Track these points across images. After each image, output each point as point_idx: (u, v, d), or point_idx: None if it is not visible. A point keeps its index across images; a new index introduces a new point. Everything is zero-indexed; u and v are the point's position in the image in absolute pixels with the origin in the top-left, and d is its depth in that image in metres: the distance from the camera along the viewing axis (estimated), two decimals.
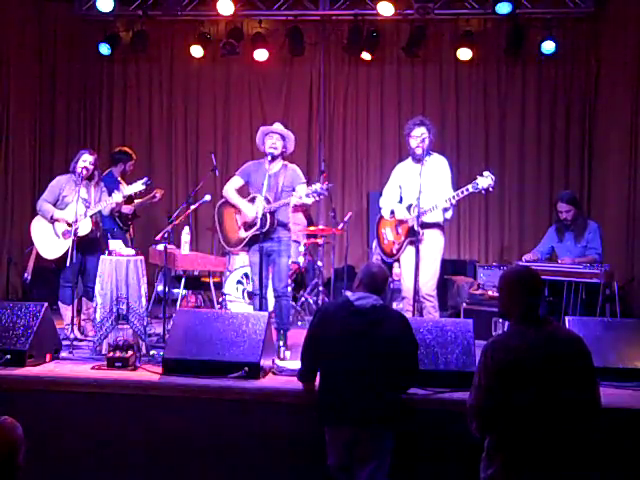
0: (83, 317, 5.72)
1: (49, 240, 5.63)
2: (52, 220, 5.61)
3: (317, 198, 5.08)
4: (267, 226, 5.13)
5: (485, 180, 4.92)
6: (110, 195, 5.72)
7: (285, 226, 5.42)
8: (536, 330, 2.81)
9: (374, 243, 5.79)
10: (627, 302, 6.42)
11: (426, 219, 5.14)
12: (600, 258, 5.92)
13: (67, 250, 5.23)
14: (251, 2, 8.35)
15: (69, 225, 5.44)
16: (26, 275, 6.18)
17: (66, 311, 5.62)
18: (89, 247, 5.57)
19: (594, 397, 2.79)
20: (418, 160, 5.28)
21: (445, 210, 5.18)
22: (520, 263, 5.96)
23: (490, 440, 2.81)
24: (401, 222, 5.36)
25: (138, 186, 5.71)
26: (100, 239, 5.77)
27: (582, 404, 2.73)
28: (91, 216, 5.56)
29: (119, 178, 6.75)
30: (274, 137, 5.35)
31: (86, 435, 4.03)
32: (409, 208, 5.27)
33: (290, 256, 5.56)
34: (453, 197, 5.07)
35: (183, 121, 9.13)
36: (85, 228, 5.49)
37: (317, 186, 5.04)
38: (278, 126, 5.44)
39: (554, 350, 2.75)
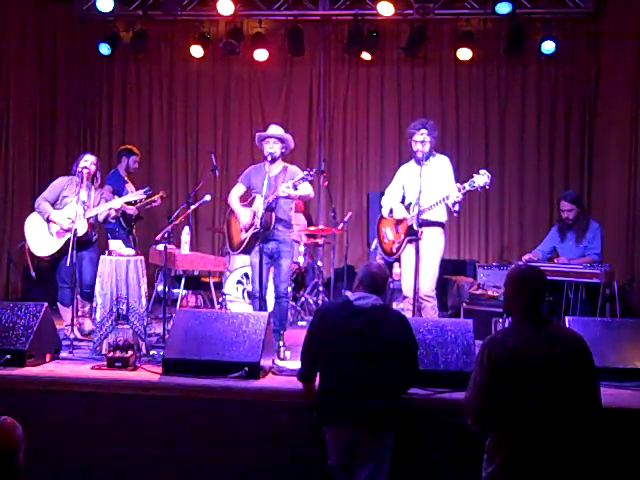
0: (79, 314, 5.71)
1: (42, 237, 5.63)
2: (48, 220, 5.62)
3: (303, 182, 5.12)
4: (264, 223, 5.13)
5: (481, 178, 4.94)
6: (115, 197, 5.76)
7: (287, 227, 5.43)
8: (536, 329, 2.82)
9: (374, 242, 5.79)
10: (627, 302, 6.42)
11: (427, 216, 5.15)
12: (599, 259, 5.91)
13: (59, 249, 5.45)
14: (251, 2, 8.35)
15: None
16: (32, 273, 6.23)
17: (65, 312, 5.62)
18: (81, 247, 5.54)
19: (594, 397, 2.79)
20: (420, 161, 5.29)
21: (454, 204, 5.16)
22: (519, 263, 5.96)
23: (490, 439, 2.82)
24: (401, 221, 5.36)
25: (139, 195, 5.84)
26: (95, 241, 5.79)
27: (582, 404, 2.73)
28: (88, 219, 5.56)
29: (125, 177, 6.78)
30: (270, 142, 5.37)
31: (86, 435, 4.02)
32: (408, 207, 5.28)
33: (292, 258, 5.55)
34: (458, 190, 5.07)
35: (183, 121, 9.13)
36: (81, 229, 5.48)
37: (301, 174, 5.13)
38: (274, 130, 5.45)
39: (554, 349, 2.75)
